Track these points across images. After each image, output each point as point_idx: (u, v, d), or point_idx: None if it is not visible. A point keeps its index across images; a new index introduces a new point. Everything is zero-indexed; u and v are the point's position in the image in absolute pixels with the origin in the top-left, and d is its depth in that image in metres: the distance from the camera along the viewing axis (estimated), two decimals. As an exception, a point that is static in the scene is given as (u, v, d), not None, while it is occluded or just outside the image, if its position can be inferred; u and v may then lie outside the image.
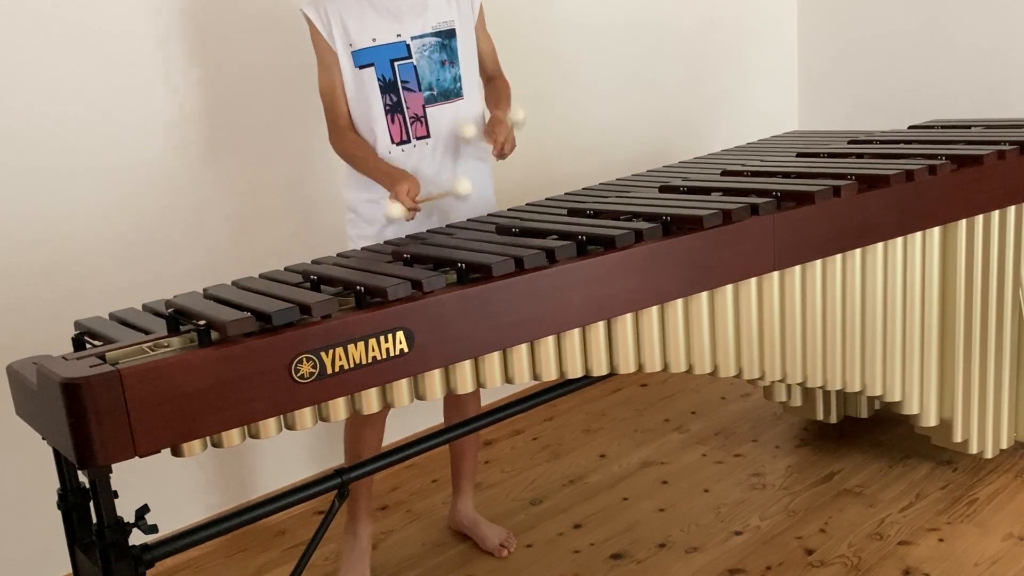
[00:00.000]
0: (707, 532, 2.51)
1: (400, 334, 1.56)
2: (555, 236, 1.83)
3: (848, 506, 2.57)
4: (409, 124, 2.23)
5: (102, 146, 2.47)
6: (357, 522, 2.40)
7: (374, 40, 2.19)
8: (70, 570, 1.64)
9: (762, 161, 2.49)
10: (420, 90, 2.24)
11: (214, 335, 1.47)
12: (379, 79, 2.20)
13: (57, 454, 1.59)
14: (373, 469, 1.86)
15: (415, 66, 2.22)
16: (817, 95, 4.29)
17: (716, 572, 2.33)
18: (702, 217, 1.86)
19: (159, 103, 2.54)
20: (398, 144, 2.23)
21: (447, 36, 2.25)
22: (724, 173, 2.36)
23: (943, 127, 2.84)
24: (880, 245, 2.18)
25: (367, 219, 2.28)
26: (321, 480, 1.80)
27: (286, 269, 1.91)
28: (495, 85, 2.42)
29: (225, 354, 1.43)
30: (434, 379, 1.65)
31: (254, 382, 1.45)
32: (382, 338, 1.54)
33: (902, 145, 2.53)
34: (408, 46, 2.21)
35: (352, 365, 1.52)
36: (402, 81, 2.22)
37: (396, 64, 2.20)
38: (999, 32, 3.65)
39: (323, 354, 1.49)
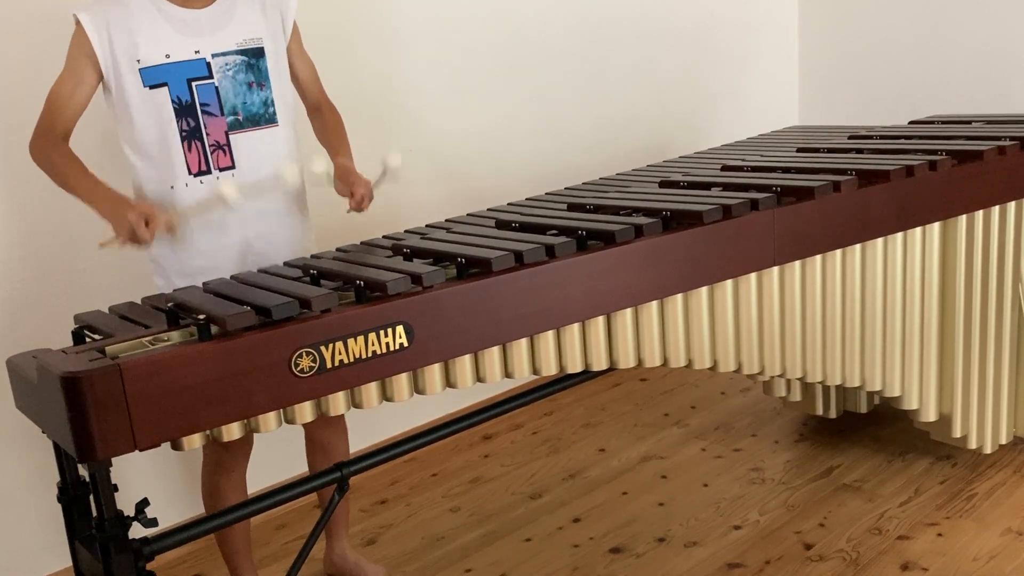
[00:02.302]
0: (706, 526, 2.51)
1: (400, 328, 1.56)
2: (555, 231, 1.83)
3: (847, 501, 2.57)
4: (210, 153, 1.97)
5: (101, 141, 2.46)
6: None
7: (168, 56, 1.91)
8: (70, 563, 1.64)
9: (762, 156, 2.49)
10: (223, 114, 1.98)
11: (214, 329, 1.47)
12: (173, 101, 1.93)
13: (57, 448, 1.59)
14: (372, 463, 1.86)
15: (217, 87, 1.97)
16: (817, 90, 4.29)
17: (715, 566, 2.33)
18: (702, 212, 1.86)
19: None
20: (196, 175, 1.97)
21: (255, 55, 2.00)
22: (724, 168, 2.36)
23: (943, 122, 2.84)
24: (880, 240, 2.18)
25: (169, 273, 2.04)
26: (321, 474, 1.80)
27: (286, 264, 1.91)
28: (324, 118, 2.18)
29: (225, 348, 1.43)
30: (434, 373, 1.65)
31: (254, 376, 1.45)
32: (382, 332, 1.55)
33: (902, 140, 2.53)
34: (208, 64, 1.95)
35: (352, 359, 1.52)
36: (201, 104, 1.95)
37: (194, 84, 1.95)
38: (1000, 28, 3.64)
39: (323, 348, 1.50)
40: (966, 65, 3.74)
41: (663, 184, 2.24)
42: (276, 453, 2.88)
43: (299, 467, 2.92)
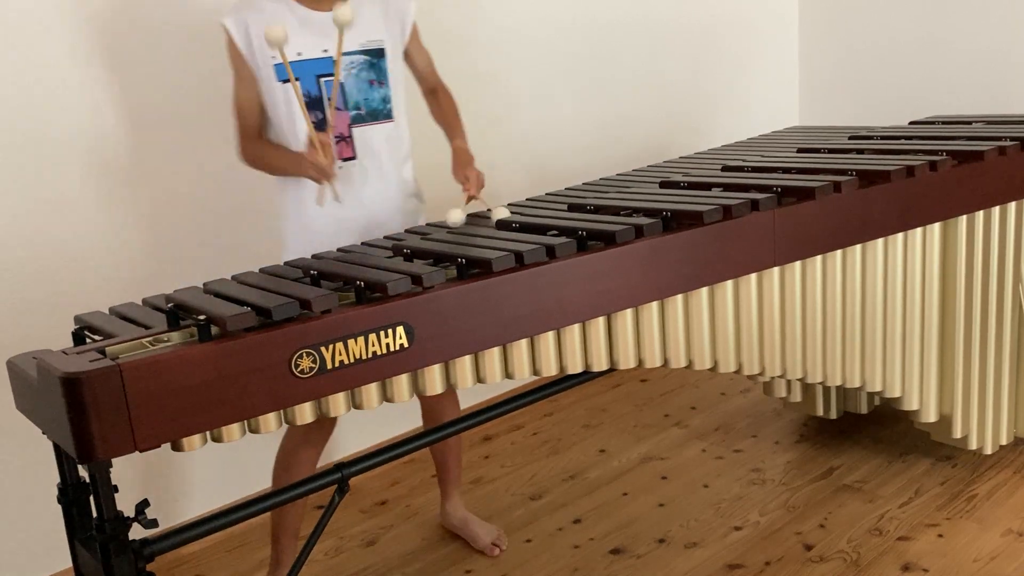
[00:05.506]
0: (706, 527, 2.51)
1: (400, 329, 1.56)
2: (555, 231, 1.83)
3: (847, 502, 2.57)
4: (334, 144, 2.11)
5: (96, 143, 2.46)
6: (280, 568, 2.28)
7: (299, 54, 2.07)
8: (70, 564, 1.64)
9: (763, 156, 2.49)
10: (347, 108, 2.13)
11: (214, 330, 1.47)
12: (304, 95, 2.08)
13: (57, 448, 1.59)
14: (372, 464, 1.86)
15: (342, 83, 2.12)
16: (818, 90, 4.29)
17: (715, 567, 2.33)
18: (702, 212, 1.86)
19: (147, 102, 2.54)
20: None
21: (376, 55, 2.16)
22: (725, 169, 2.36)
23: (944, 123, 2.84)
24: (880, 241, 2.18)
25: (298, 253, 2.13)
26: (321, 475, 1.80)
27: (286, 263, 1.91)
28: (439, 101, 2.34)
29: (225, 349, 1.43)
30: (434, 374, 1.65)
31: (254, 377, 1.45)
32: (382, 333, 1.54)
33: (903, 141, 2.53)
34: (335, 63, 2.09)
35: (352, 360, 1.52)
36: (328, 99, 2.10)
37: (322, 80, 2.10)
38: (1000, 28, 3.64)
39: (323, 349, 1.49)
40: (967, 66, 3.74)
41: (663, 184, 2.24)
42: (276, 454, 2.88)
43: (299, 468, 2.92)
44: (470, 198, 2.14)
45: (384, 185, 2.21)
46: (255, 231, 2.75)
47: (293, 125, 2.11)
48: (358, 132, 2.15)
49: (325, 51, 2.09)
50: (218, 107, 2.64)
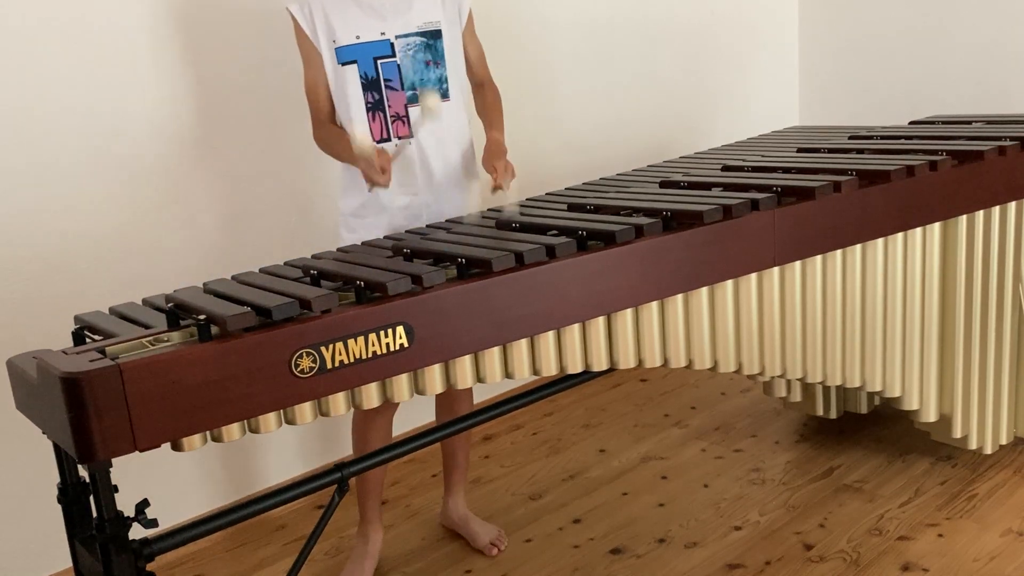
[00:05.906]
0: (706, 527, 2.51)
1: (400, 329, 1.56)
2: (555, 231, 1.83)
3: (847, 501, 2.57)
4: (390, 123, 2.22)
5: (100, 142, 2.47)
6: (366, 524, 2.44)
7: (358, 37, 2.19)
8: (70, 564, 1.64)
9: (763, 156, 2.49)
10: (403, 89, 2.22)
11: (214, 330, 1.47)
12: (361, 77, 2.19)
13: (57, 448, 1.59)
14: (373, 463, 1.86)
15: (398, 65, 2.21)
16: (818, 90, 4.29)
17: (715, 567, 2.33)
18: (702, 212, 1.86)
19: (155, 101, 2.54)
20: (379, 142, 2.22)
21: (432, 36, 2.24)
22: (725, 168, 2.36)
23: (944, 123, 2.84)
24: (880, 241, 2.18)
25: (356, 228, 2.28)
26: (321, 474, 1.80)
27: (286, 264, 1.91)
28: (484, 93, 2.41)
29: (225, 349, 1.43)
30: (434, 374, 1.65)
31: (254, 377, 1.45)
32: (382, 333, 1.54)
33: (903, 141, 2.53)
34: (392, 44, 2.20)
35: (352, 360, 1.52)
36: (385, 79, 2.21)
37: (379, 62, 2.20)
38: (1000, 28, 3.64)
39: (323, 349, 1.49)
40: (967, 65, 3.75)
41: (663, 184, 2.24)
42: (276, 454, 2.88)
43: (299, 467, 2.93)
44: (496, 188, 2.17)
45: (441, 162, 2.27)
46: (256, 231, 2.75)
47: (349, 109, 2.20)
48: (414, 111, 2.23)
49: (383, 34, 2.19)
50: (224, 108, 2.65)
